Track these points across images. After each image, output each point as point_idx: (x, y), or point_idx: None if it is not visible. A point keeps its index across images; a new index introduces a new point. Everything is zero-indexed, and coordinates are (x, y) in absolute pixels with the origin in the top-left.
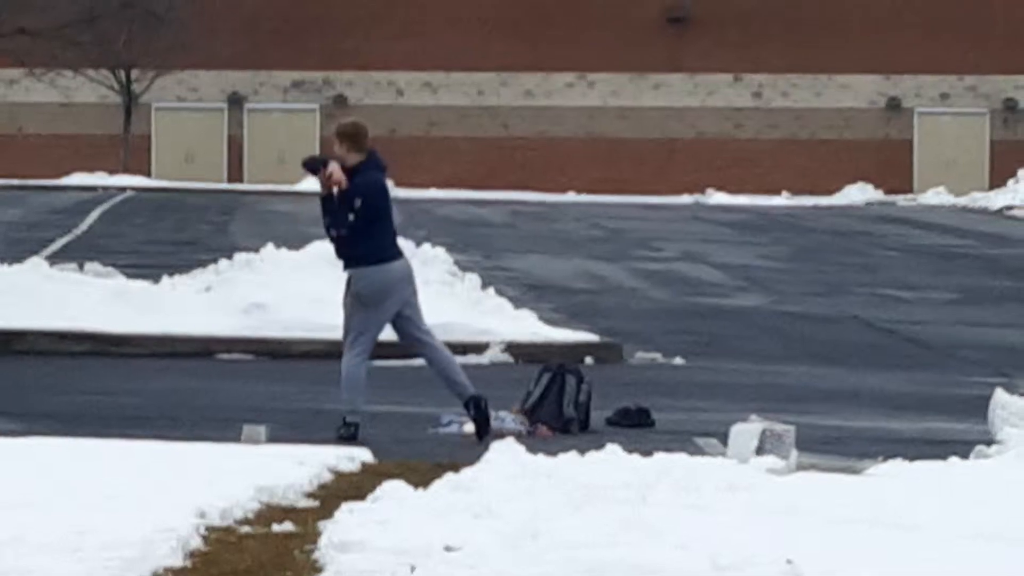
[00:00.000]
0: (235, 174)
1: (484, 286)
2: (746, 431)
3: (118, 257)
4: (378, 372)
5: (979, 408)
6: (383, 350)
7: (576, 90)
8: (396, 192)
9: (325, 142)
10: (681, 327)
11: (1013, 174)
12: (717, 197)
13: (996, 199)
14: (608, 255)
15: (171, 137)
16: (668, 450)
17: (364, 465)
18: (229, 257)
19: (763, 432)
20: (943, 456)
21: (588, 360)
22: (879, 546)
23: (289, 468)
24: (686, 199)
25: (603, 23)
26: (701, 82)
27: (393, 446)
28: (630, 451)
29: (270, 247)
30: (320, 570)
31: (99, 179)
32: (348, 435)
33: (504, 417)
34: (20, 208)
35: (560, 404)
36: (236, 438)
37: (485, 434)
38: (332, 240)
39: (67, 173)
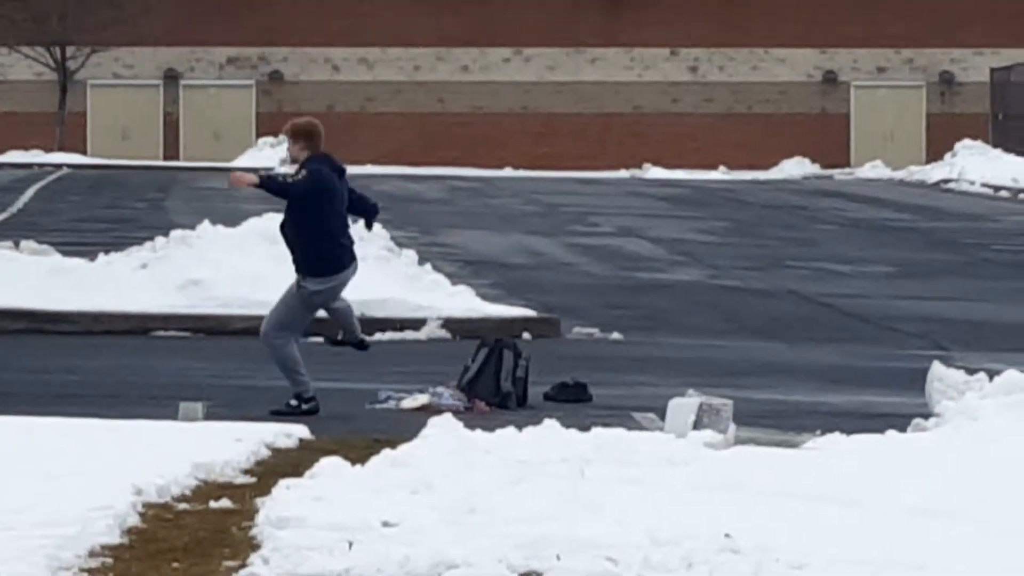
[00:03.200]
0: (171, 151)
1: (421, 262)
2: (684, 405)
3: (54, 235)
4: (314, 349)
5: (916, 381)
6: (319, 327)
7: (512, 65)
8: None
9: (261, 118)
10: (618, 302)
11: (950, 148)
12: (654, 172)
13: (933, 172)
14: (545, 230)
15: (107, 114)
16: (606, 425)
17: (301, 441)
18: (165, 234)
19: (701, 406)
20: (881, 429)
21: (526, 335)
22: (817, 520)
23: (226, 445)
24: (623, 174)
25: None
26: (637, 56)
27: (330, 422)
28: (568, 426)
29: (206, 224)
30: (258, 547)
31: (34, 156)
32: (311, 409)
33: (442, 393)
34: None
35: (498, 379)
36: (173, 415)
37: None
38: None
39: (2, 151)
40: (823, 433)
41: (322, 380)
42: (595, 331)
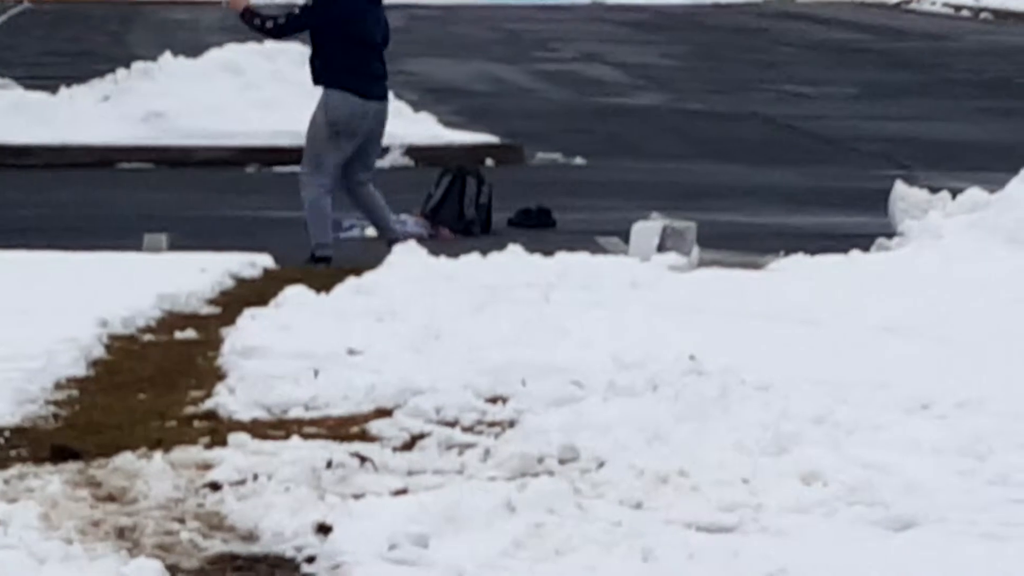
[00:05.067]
0: None
1: None
2: (647, 229)
3: (15, 69)
4: (279, 178)
5: (879, 201)
6: (282, 156)
7: None
8: None
9: None
10: (581, 127)
11: None
12: None
13: None
14: (507, 57)
15: None
16: (570, 250)
17: (266, 271)
18: (127, 66)
19: (664, 229)
20: (844, 250)
21: (488, 162)
22: (782, 340)
23: (191, 276)
24: (584, 0)
25: None
26: None
27: (295, 251)
28: (532, 251)
29: (168, 56)
30: (223, 376)
31: None
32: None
33: (405, 220)
34: None
35: (461, 206)
36: (137, 247)
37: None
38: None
39: None
40: (787, 254)
41: (285, 210)
42: (558, 156)
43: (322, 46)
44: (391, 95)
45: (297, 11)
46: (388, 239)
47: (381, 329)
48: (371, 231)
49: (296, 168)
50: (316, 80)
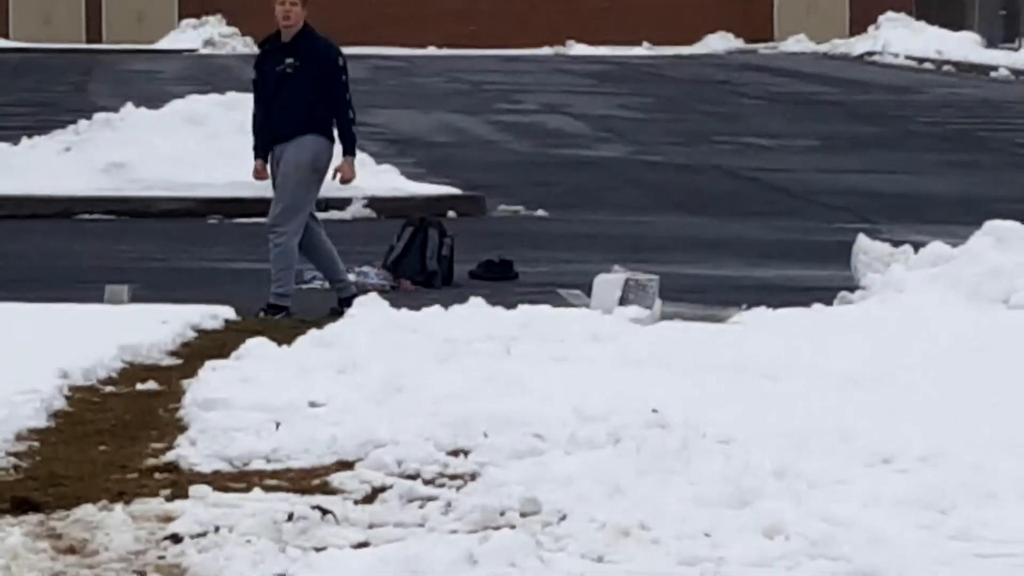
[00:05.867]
0: (94, 34)
1: None
2: (609, 281)
3: None
4: (241, 229)
5: (842, 254)
6: (244, 207)
7: None
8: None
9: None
10: (543, 179)
11: (873, 21)
12: (578, 48)
13: (856, 45)
14: (469, 108)
15: None
16: (532, 302)
17: (227, 323)
18: (88, 117)
19: (626, 282)
20: (807, 303)
21: (451, 213)
22: (744, 393)
23: (152, 327)
24: (546, 51)
25: None
26: None
27: (256, 303)
28: (494, 304)
29: (129, 106)
30: (185, 428)
31: None
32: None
33: (367, 272)
34: None
35: (423, 258)
36: (98, 298)
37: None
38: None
39: None
40: (749, 307)
41: (247, 261)
42: (520, 208)
43: (313, 97)
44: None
45: (347, 82)
46: (340, 294)
47: (343, 381)
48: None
49: (260, 219)
50: (303, 130)
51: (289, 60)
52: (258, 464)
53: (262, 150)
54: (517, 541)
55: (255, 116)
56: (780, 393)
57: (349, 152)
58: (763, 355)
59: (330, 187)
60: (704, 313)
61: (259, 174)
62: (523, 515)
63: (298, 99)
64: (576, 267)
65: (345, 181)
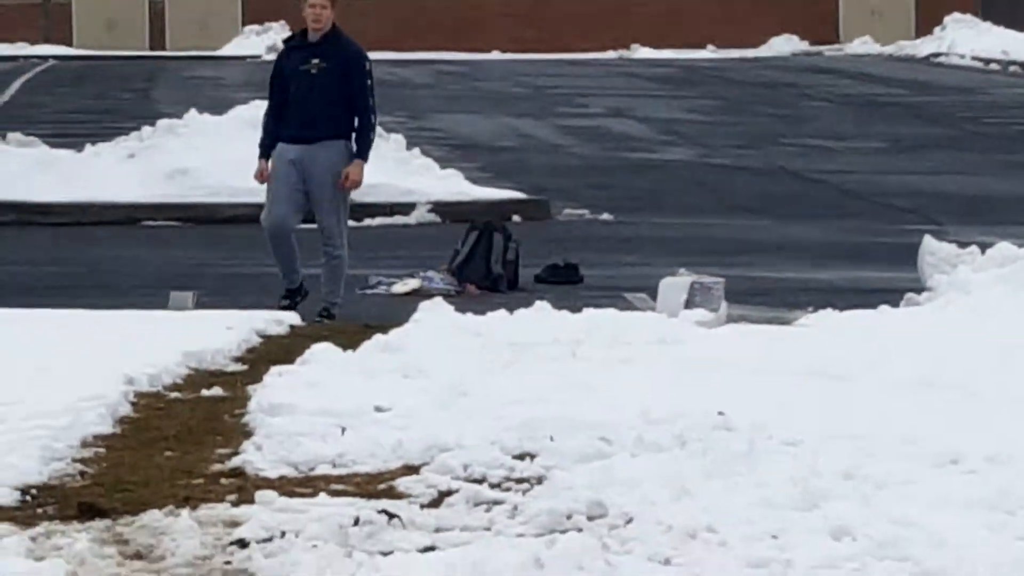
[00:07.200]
0: (157, 40)
1: (409, 146)
2: (675, 284)
3: (41, 127)
4: (305, 234)
5: (909, 256)
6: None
7: None
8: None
9: (246, 6)
10: (608, 182)
11: (939, 22)
12: (642, 52)
13: (922, 47)
14: (533, 112)
15: (92, 5)
16: (597, 306)
17: (293, 328)
18: (152, 124)
19: (692, 285)
20: (873, 305)
21: (515, 218)
22: (810, 395)
23: (217, 333)
24: (610, 55)
25: None
26: None
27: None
28: (559, 308)
29: (193, 112)
30: (250, 434)
31: (20, 49)
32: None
33: (432, 277)
34: None
35: (488, 262)
36: (163, 305)
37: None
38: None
39: None
40: (815, 310)
41: (312, 268)
42: (585, 212)
43: (339, 100)
44: (417, 151)
45: (372, 86)
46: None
47: (408, 386)
48: (397, 288)
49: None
50: (329, 134)
51: (315, 60)
52: (324, 469)
53: (269, 150)
54: (584, 544)
55: (268, 114)
56: (847, 395)
57: (362, 156)
58: (830, 357)
59: (394, 192)
60: (770, 316)
61: (262, 176)
62: (590, 518)
63: (323, 101)
64: (641, 270)
65: (352, 184)
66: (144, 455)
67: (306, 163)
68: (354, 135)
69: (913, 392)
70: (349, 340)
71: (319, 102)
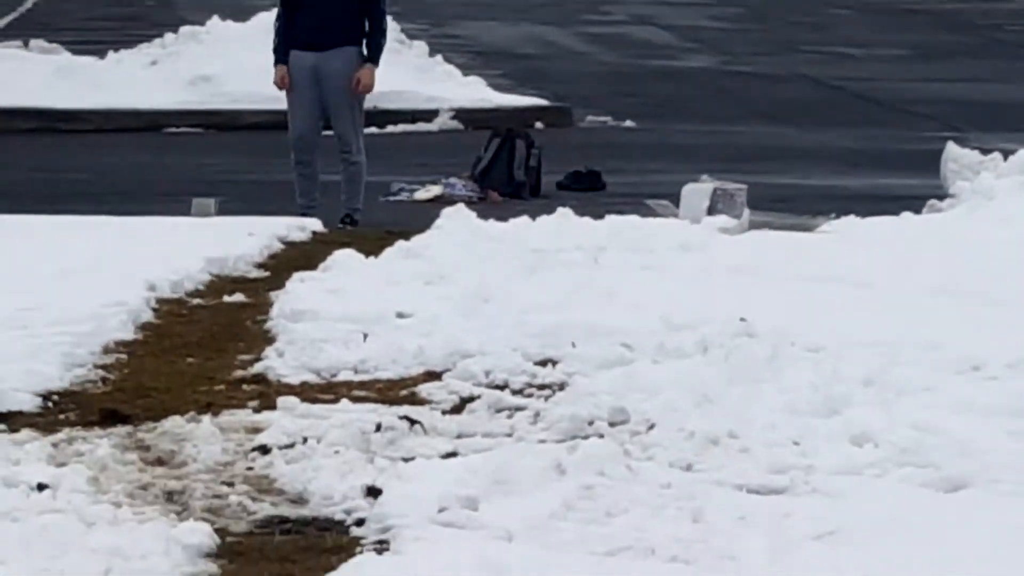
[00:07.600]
0: None
1: (432, 53)
2: (698, 191)
3: (63, 34)
4: (327, 141)
5: (931, 163)
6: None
7: None
8: None
9: None
10: (631, 90)
11: None
12: None
13: None
14: (556, 20)
15: None
16: (620, 212)
17: (315, 235)
18: (175, 30)
19: (715, 191)
20: (895, 212)
21: (538, 125)
22: (833, 302)
23: (239, 239)
24: None
25: None
26: None
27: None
28: (581, 214)
29: (215, 19)
30: (272, 340)
31: None
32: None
33: (454, 183)
34: None
35: (510, 169)
36: (185, 211)
37: None
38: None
39: None
40: (837, 216)
41: (332, 173)
42: (608, 119)
43: (353, 6)
44: (440, 58)
45: None
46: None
47: (430, 292)
48: (419, 194)
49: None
50: (344, 41)
51: None
52: (346, 375)
53: (284, 55)
54: (606, 450)
55: (280, 19)
56: (869, 302)
57: (374, 60)
58: (852, 264)
59: (416, 99)
60: (793, 222)
61: (283, 81)
62: (611, 424)
63: (336, 6)
64: (664, 177)
65: (364, 88)
66: (166, 361)
67: (321, 71)
68: (364, 40)
69: (935, 299)
70: (371, 246)
71: (332, 7)
